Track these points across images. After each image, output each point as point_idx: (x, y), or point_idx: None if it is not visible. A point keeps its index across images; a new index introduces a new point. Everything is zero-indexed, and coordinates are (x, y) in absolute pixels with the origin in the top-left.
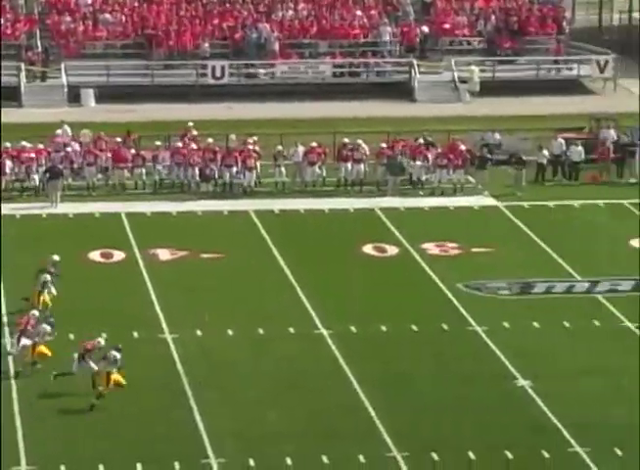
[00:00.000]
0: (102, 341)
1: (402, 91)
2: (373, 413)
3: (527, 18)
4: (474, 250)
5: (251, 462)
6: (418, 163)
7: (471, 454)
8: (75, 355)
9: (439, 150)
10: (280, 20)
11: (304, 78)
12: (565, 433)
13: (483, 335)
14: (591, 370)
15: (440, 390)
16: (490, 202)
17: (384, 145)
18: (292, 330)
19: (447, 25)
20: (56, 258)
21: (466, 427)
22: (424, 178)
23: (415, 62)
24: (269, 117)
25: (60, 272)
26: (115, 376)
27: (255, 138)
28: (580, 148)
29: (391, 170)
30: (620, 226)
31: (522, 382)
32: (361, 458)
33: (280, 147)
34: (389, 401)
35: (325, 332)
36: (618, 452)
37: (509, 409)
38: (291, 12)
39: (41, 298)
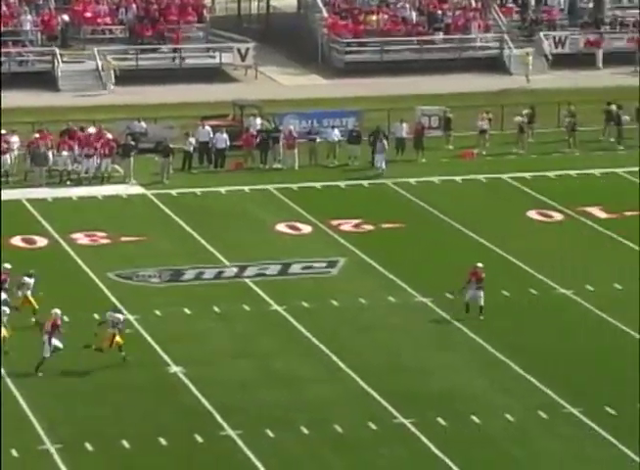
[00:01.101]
0: (59, 312)
1: (46, 81)
2: (25, 405)
3: (168, 6)
4: (123, 239)
5: None
6: (64, 152)
7: (125, 443)
8: (45, 338)
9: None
10: None
11: None
12: (217, 416)
13: (135, 323)
14: (242, 354)
15: (93, 378)
16: (138, 190)
17: (33, 136)
18: None
19: (88, 14)
20: (7, 266)
21: (120, 415)
22: (70, 168)
23: (57, 51)
24: None
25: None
26: (118, 339)
27: None
28: (225, 135)
29: (36, 161)
30: (266, 211)
31: (174, 368)
32: (14, 452)
33: None
34: (41, 392)
35: None
36: (270, 434)
37: (162, 396)
38: None
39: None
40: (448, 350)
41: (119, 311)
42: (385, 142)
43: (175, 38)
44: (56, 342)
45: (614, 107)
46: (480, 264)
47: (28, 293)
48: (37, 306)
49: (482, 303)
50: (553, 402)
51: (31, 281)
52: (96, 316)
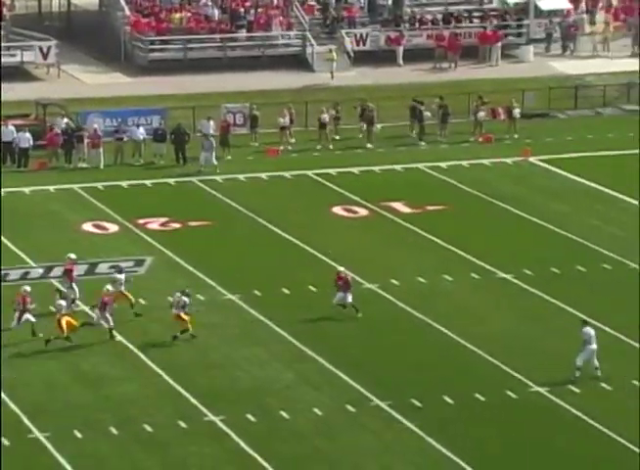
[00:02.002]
0: (110, 287)
1: None
2: None
3: None
4: None
5: None
6: None
7: None
8: (97, 311)
9: None
10: None
11: None
12: (24, 419)
13: None
14: (49, 355)
15: None
16: None
17: None
18: None
19: None
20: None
21: None
22: None
23: None
24: None
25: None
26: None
27: None
28: (28, 134)
29: None
30: (72, 211)
31: None
32: None
33: None
34: None
35: None
36: (78, 435)
37: None
38: None
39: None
40: (256, 345)
41: (187, 294)
42: (212, 139)
43: None
44: (108, 316)
45: (418, 103)
46: (341, 268)
47: (122, 288)
48: (133, 300)
49: (350, 299)
50: (361, 396)
51: (122, 277)
52: None
